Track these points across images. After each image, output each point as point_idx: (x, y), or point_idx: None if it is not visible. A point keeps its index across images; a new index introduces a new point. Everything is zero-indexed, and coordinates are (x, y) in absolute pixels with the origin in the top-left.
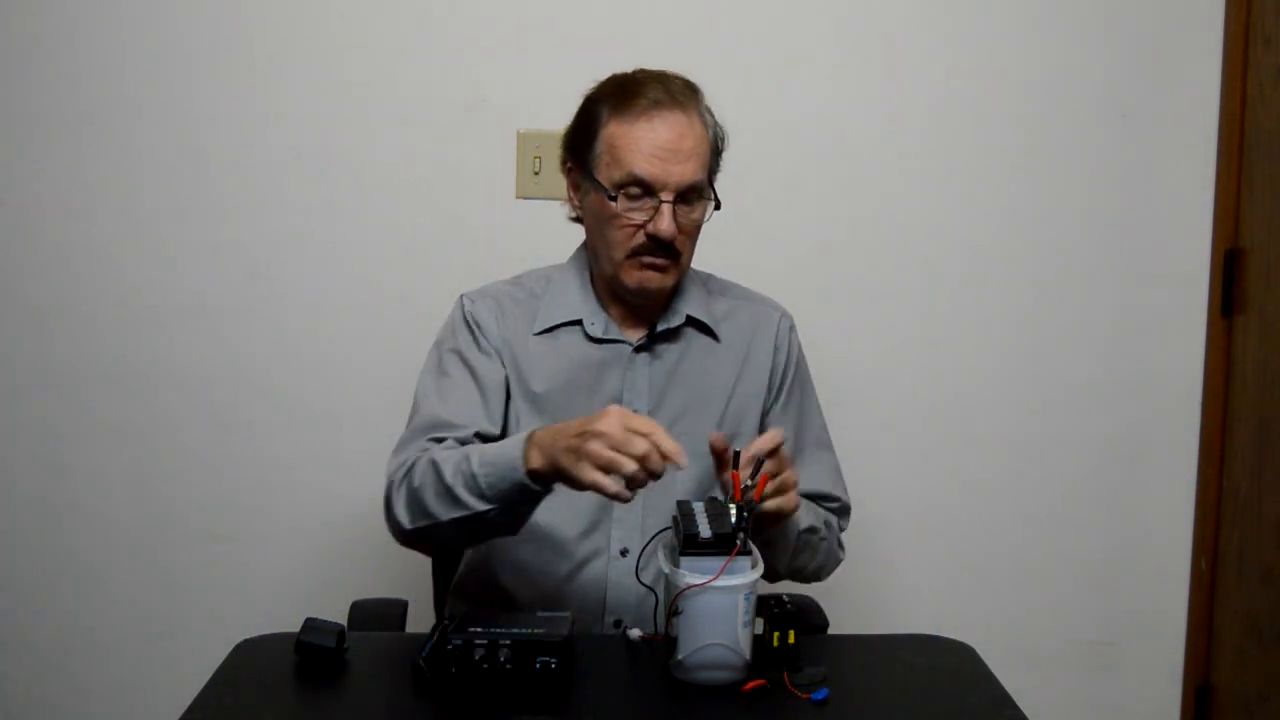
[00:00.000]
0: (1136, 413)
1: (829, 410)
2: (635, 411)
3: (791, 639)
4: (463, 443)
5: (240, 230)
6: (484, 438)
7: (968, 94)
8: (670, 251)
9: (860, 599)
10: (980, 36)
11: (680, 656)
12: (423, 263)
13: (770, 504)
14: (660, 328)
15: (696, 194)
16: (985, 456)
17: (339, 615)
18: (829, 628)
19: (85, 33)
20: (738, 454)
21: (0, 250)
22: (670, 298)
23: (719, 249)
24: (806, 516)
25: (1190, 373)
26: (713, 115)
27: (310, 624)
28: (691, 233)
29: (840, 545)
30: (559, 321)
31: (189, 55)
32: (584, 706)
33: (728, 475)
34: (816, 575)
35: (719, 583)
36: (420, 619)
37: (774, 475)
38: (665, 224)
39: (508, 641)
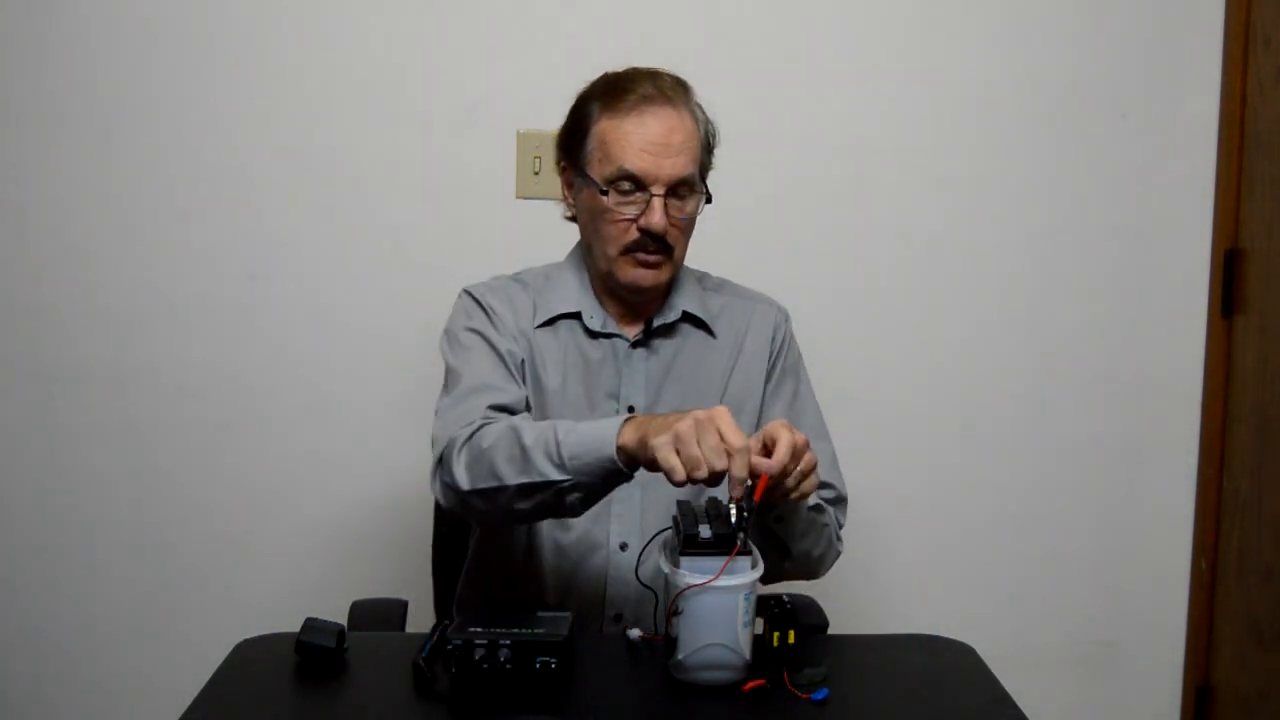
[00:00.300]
0: (1136, 412)
1: (829, 410)
2: (632, 408)
3: (791, 639)
4: (510, 409)
5: (240, 230)
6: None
7: (968, 94)
8: (663, 246)
9: (860, 599)
10: (980, 37)
11: (680, 656)
12: (423, 262)
13: (794, 495)
14: (656, 323)
15: (688, 188)
16: (986, 457)
17: (339, 615)
18: (829, 628)
19: (85, 33)
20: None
21: (0, 250)
22: (666, 294)
23: (719, 249)
24: (812, 495)
25: (1190, 372)
26: (704, 111)
27: (310, 624)
28: (684, 227)
29: (838, 538)
30: (559, 313)
31: (189, 55)
32: (584, 706)
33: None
34: (819, 565)
35: (719, 583)
36: (420, 619)
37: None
38: (657, 218)
39: (508, 642)
